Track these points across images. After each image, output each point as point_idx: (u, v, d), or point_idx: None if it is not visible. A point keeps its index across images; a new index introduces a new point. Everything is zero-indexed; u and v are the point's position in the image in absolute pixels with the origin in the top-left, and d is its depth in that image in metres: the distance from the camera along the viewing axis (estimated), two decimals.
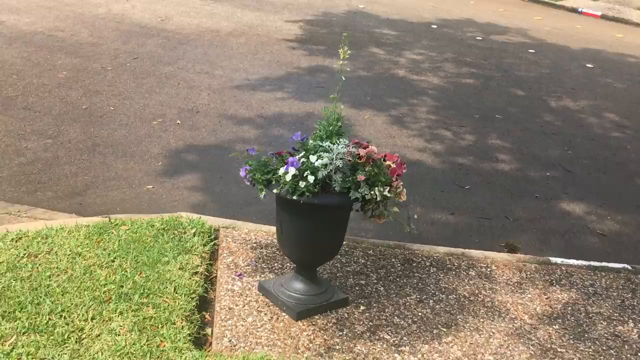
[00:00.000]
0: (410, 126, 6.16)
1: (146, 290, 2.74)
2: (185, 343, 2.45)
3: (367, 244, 3.65)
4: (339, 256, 3.45)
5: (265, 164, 2.75)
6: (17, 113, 5.35)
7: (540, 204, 4.88)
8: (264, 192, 2.70)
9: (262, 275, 3.14)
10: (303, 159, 2.65)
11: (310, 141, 2.78)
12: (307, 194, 2.56)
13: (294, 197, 2.57)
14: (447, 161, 5.45)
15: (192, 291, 2.83)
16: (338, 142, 2.69)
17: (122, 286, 2.75)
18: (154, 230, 3.31)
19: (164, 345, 2.42)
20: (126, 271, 2.88)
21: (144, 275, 2.86)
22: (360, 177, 2.63)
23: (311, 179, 2.56)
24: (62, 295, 2.63)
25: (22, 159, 4.56)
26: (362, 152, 2.70)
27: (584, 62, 9.56)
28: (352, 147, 2.77)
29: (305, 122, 5.89)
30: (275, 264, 3.26)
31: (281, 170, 2.63)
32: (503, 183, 5.16)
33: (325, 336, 2.74)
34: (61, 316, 2.50)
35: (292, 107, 6.24)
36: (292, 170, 2.57)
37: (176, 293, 2.78)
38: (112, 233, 3.23)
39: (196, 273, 3.00)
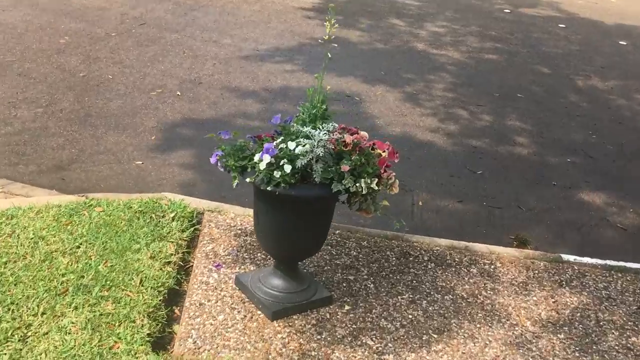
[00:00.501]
0: (424, 104, 5.81)
1: (108, 282, 2.52)
2: (142, 345, 2.23)
3: (361, 234, 3.38)
4: (329, 247, 3.19)
5: (242, 148, 2.47)
6: (11, 79, 5.15)
7: (557, 193, 4.54)
8: (236, 181, 2.44)
9: (242, 267, 2.90)
10: (282, 145, 2.37)
11: (294, 125, 2.49)
12: (282, 185, 2.29)
13: (268, 188, 2.30)
14: (460, 143, 5.11)
15: (160, 284, 2.60)
16: (321, 127, 2.40)
17: (82, 277, 2.53)
18: (130, 213, 3.09)
19: (118, 347, 2.20)
20: (90, 259, 2.66)
21: (109, 265, 2.64)
22: (344, 167, 2.34)
23: (288, 168, 2.28)
24: (15, 285, 2.42)
25: (8, 129, 4.36)
26: (347, 138, 2.41)
27: (617, 39, 9.01)
28: (339, 133, 2.48)
29: (313, 96, 5.57)
30: (259, 254, 3.01)
31: (256, 157, 2.36)
32: (519, 169, 4.82)
33: (301, 340, 2.50)
34: (9, 309, 2.29)
35: (300, 80, 5.93)
36: (267, 158, 2.30)
37: (142, 286, 2.55)
38: (84, 215, 3.01)
39: (169, 263, 2.77)
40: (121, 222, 2.99)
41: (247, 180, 2.37)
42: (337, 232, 3.35)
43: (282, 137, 2.44)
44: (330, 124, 2.51)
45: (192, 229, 3.10)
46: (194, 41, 6.62)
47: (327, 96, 2.56)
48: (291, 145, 2.33)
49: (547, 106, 6.17)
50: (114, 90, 5.17)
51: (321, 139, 2.33)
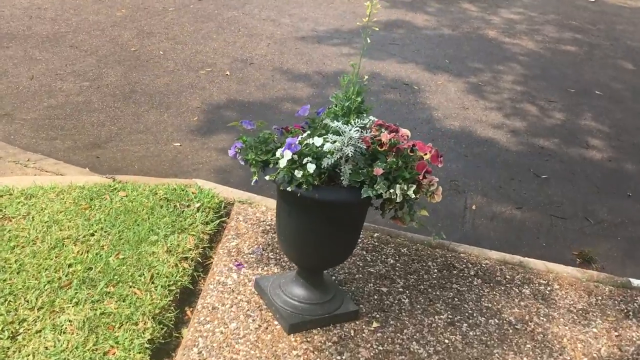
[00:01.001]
0: (489, 97, 5.37)
1: (116, 277, 2.33)
2: (139, 352, 2.02)
3: (402, 239, 3.07)
4: (364, 252, 2.90)
5: (265, 141, 2.21)
6: (62, 51, 5.08)
7: (632, 205, 4.05)
8: (255, 177, 2.18)
9: (266, 269, 2.65)
10: (308, 141, 2.08)
11: (324, 118, 2.21)
12: (305, 186, 2.01)
13: (289, 189, 2.03)
14: (526, 142, 4.67)
15: (172, 282, 2.39)
16: (354, 123, 2.10)
17: (90, 268, 2.35)
18: (154, 200, 2.89)
19: (113, 354, 2.00)
20: (102, 249, 2.48)
21: (120, 257, 2.45)
22: (377, 170, 2.04)
23: (311, 167, 2.00)
24: (17, 273, 2.27)
25: (52, 101, 4.27)
26: (384, 137, 2.09)
27: None
28: (375, 130, 2.17)
29: (368, 83, 5.25)
30: (284, 256, 2.76)
31: (278, 152, 2.09)
32: (590, 175, 4.35)
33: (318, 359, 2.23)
34: (5, 300, 2.14)
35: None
36: (288, 155, 2.02)
37: (152, 283, 2.35)
38: (105, 199, 2.84)
39: (186, 259, 2.55)
40: (142, 210, 2.80)
41: (267, 177, 2.11)
42: (376, 235, 3.05)
43: (309, 132, 2.16)
44: (368, 119, 2.21)
45: (217, 221, 2.88)
46: (251, 19, 6.40)
47: (365, 87, 2.25)
48: (317, 141, 2.04)
49: (627, 106, 5.59)
50: (162, 67, 5.02)
51: (352, 137, 2.02)
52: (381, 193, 2.04)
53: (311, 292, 2.36)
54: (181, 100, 4.52)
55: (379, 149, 2.10)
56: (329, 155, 2.03)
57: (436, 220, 3.52)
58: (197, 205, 2.91)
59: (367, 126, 2.17)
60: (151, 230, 2.66)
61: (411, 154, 2.11)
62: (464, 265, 2.93)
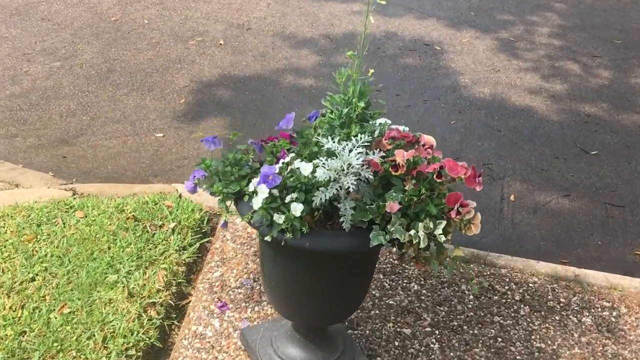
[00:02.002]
0: (523, 55, 4.66)
1: (56, 344, 1.80)
2: None
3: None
4: (381, 276, 2.32)
5: (238, 162, 1.61)
6: (32, 25, 4.47)
7: None
8: (224, 218, 1.59)
9: (257, 309, 2.10)
10: (296, 165, 1.49)
11: (316, 130, 1.60)
12: (289, 234, 1.43)
13: (267, 238, 1.45)
14: (569, 109, 3.99)
15: (132, 343, 1.86)
16: (357, 138, 1.49)
17: (24, 332, 1.82)
18: (120, 220, 2.34)
19: None
20: (43, 301, 1.94)
21: (66, 311, 1.92)
22: (391, 205, 1.44)
23: (297, 209, 1.41)
24: None
25: (15, 89, 3.70)
26: (399, 157, 1.48)
27: None
28: (387, 144, 1.56)
29: (382, 46, 4.57)
30: None
31: (252, 185, 1.50)
32: None
33: None
34: None
35: (369, 24, 4.89)
36: (264, 191, 1.43)
37: (105, 348, 1.82)
38: (57, 224, 2.30)
39: (153, 304, 2.01)
40: (103, 237, 2.25)
41: (239, 220, 1.53)
42: (395, 249, 2.47)
43: (296, 149, 1.56)
44: (377, 123, 1.59)
45: (198, 244, 2.33)
46: None
47: (370, 87, 1.63)
48: (306, 167, 1.44)
49: None
50: (146, 39, 4.40)
51: (352, 164, 1.42)
52: (397, 238, 1.45)
53: (311, 353, 1.81)
54: (166, 79, 3.92)
55: (393, 172, 1.50)
56: (322, 189, 1.43)
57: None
58: (172, 225, 2.35)
59: (374, 137, 1.57)
60: (110, 267, 2.12)
61: (439, 179, 1.50)
62: (506, 287, 2.34)
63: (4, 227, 2.25)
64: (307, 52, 4.41)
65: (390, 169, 1.50)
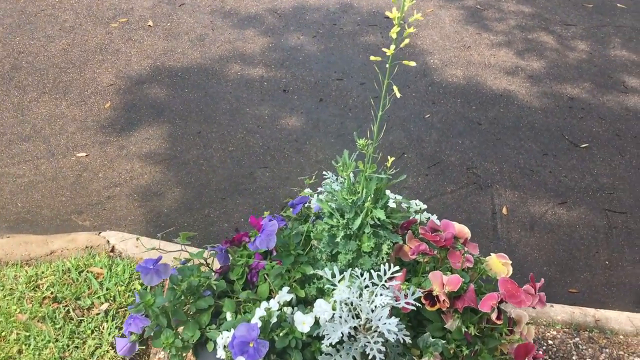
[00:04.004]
0: (493, 26, 4.20)
1: None
2: None
3: None
4: None
5: (196, 290, 1.09)
6: None
7: None
8: None
9: None
10: (286, 311, 0.98)
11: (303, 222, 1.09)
12: None
13: None
14: (550, 92, 3.59)
15: None
16: (373, 256, 0.99)
17: None
18: (33, 303, 1.78)
19: None
20: None
21: None
22: None
23: None
24: None
25: None
26: (437, 285, 1.00)
27: None
28: (414, 245, 1.07)
29: (338, 21, 4.00)
30: None
31: (220, 339, 0.99)
32: (639, 134, 3.33)
33: None
34: None
35: None
36: None
37: None
38: None
39: None
40: (10, 334, 1.69)
41: None
42: None
43: (278, 271, 1.05)
44: (390, 227, 1.10)
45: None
46: None
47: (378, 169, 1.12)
48: (302, 320, 0.94)
49: None
50: (58, 22, 3.67)
51: (373, 319, 0.92)
52: None
53: None
54: (86, 76, 3.25)
55: (429, 307, 1.02)
56: (329, 349, 0.94)
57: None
58: (105, 306, 1.81)
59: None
60: None
61: (498, 321, 1.02)
62: None
63: None
64: (253, 32, 3.80)
65: (423, 300, 1.02)
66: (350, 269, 1.00)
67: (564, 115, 3.40)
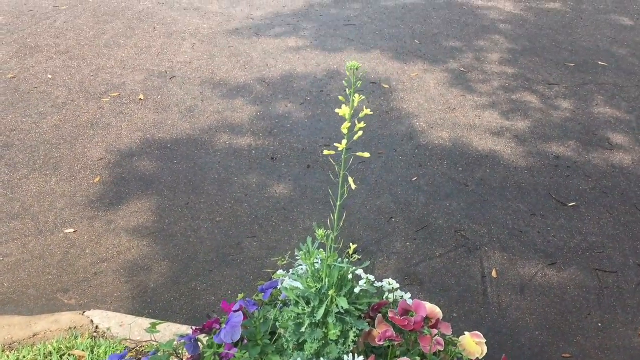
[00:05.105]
0: (477, 88, 4.29)
1: None
2: None
3: None
4: None
5: None
6: None
7: None
8: None
9: None
10: None
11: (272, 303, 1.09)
12: None
13: None
14: (536, 151, 3.63)
15: None
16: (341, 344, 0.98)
17: None
18: None
19: None
20: None
21: None
22: None
23: None
24: None
25: None
26: None
27: None
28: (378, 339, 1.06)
29: (325, 88, 4.10)
30: None
31: None
32: (625, 191, 3.35)
33: None
34: None
35: (308, 62, 4.42)
36: None
37: None
38: None
39: None
40: None
41: None
42: None
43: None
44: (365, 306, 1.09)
45: None
46: (169, 10, 5.10)
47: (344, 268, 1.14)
48: None
49: None
50: (51, 99, 3.75)
51: None
52: None
53: None
54: (76, 151, 3.30)
55: None
56: None
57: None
58: None
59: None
60: None
61: None
62: None
63: None
64: (242, 102, 3.88)
65: None
66: (317, 358, 1.00)
67: (551, 174, 3.43)
